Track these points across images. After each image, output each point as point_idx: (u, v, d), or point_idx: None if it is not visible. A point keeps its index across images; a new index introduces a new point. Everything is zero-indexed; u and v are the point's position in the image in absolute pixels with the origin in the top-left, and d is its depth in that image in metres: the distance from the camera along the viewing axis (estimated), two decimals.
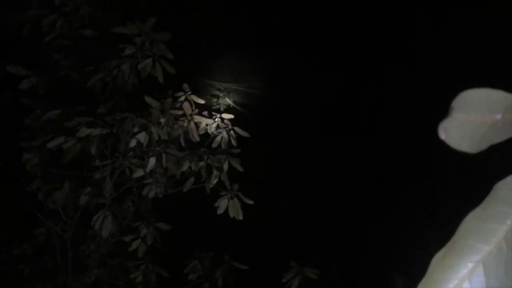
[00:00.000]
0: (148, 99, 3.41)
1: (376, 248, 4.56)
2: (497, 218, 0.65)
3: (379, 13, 4.82)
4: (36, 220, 3.66)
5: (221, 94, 5.38)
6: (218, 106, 5.40)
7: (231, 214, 3.74)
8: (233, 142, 3.84)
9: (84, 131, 3.30)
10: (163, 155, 3.37)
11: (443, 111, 0.60)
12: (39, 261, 3.79)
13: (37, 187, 3.60)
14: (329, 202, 4.87)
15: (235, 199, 3.75)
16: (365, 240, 4.70)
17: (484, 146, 0.63)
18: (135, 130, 3.33)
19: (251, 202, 3.79)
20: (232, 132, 3.85)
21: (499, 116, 0.61)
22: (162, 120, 3.47)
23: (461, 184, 3.95)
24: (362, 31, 5.02)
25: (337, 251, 4.82)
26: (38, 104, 3.53)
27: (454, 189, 4.15)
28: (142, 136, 3.30)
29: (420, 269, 0.65)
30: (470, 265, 0.63)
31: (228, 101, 5.43)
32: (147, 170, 3.36)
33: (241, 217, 3.76)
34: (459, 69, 4.23)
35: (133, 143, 3.31)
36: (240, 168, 3.78)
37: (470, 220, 0.65)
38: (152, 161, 3.34)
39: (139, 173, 3.44)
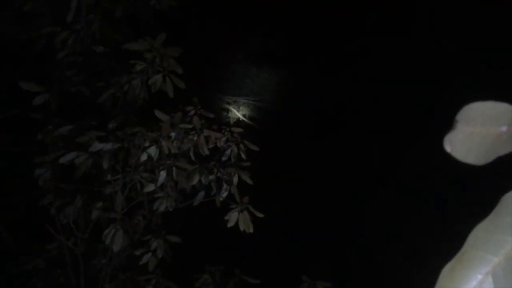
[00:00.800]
0: (158, 113, 3.45)
1: (388, 262, 4.53)
2: (505, 229, 0.66)
3: (385, 24, 4.84)
4: (48, 235, 3.68)
5: (230, 108, 5.41)
6: (227, 120, 5.43)
7: (242, 227, 3.73)
8: (243, 155, 3.85)
9: (96, 146, 3.33)
10: (174, 168, 3.39)
11: (449, 124, 0.61)
12: (51, 276, 3.80)
13: (49, 202, 3.63)
14: (341, 216, 4.86)
15: (245, 212, 3.75)
16: (377, 255, 4.67)
17: (490, 158, 0.63)
18: (146, 144, 3.36)
19: (262, 215, 3.78)
20: (241, 145, 3.86)
21: (504, 128, 0.61)
22: (173, 134, 3.50)
23: (469, 196, 3.92)
24: (369, 43, 5.04)
25: (349, 265, 4.79)
26: (50, 119, 3.57)
27: (462, 201, 4.12)
28: (153, 150, 3.33)
29: (431, 281, 0.65)
30: (479, 276, 0.64)
31: (238, 114, 5.46)
32: (158, 183, 3.38)
33: (251, 230, 3.75)
34: (463, 82, 4.22)
35: (143, 157, 3.33)
36: (250, 181, 3.78)
37: (479, 232, 0.66)
38: (162, 174, 3.36)
39: (150, 187, 3.46)
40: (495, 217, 0.67)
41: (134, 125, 3.47)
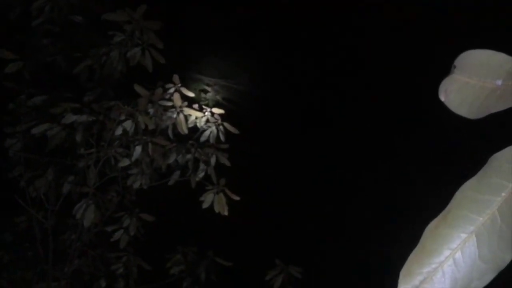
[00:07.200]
0: (137, 88, 3.37)
1: (363, 249, 4.55)
2: (492, 190, 0.64)
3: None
4: (17, 208, 3.59)
5: (210, 89, 5.35)
6: (207, 102, 5.37)
7: (216, 209, 3.71)
8: (222, 137, 3.82)
9: (70, 118, 3.25)
10: (149, 144, 3.33)
11: (441, 74, 0.58)
12: (19, 249, 3.72)
13: (19, 173, 3.54)
14: (316, 201, 4.86)
15: (221, 194, 3.72)
16: (352, 241, 4.69)
17: (483, 113, 0.61)
18: (122, 118, 3.28)
19: (237, 198, 3.76)
20: (221, 127, 3.82)
21: (499, 82, 0.59)
22: (151, 110, 3.43)
23: (457, 154, 3.92)
24: (352, 22, 4.98)
25: (322, 251, 4.81)
26: (23, 89, 3.47)
27: (449, 159, 4.11)
28: (128, 124, 3.26)
29: (415, 239, 0.63)
30: (463, 235, 0.62)
31: (217, 97, 5.40)
32: (133, 159, 3.31)
33: (226, 213, 3.73)
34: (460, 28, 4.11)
35: (118, 131, 3.26)
36: (227, 163, 3.75)
37: (465, 191, 0.64)
38: (137, 149, 3.30)
39: (125, 162, 3.39)
40: (482, 177, 0.65)
41: (110, 99, 3.39)
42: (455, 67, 0.56)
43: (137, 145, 3.30)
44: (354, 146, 4.85)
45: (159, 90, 3.49)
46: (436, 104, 0.63)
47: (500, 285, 0.70)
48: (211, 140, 3.78)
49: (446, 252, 0.62)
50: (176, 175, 3.71)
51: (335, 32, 4.97)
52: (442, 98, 0.57)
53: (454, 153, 4.10)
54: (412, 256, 0.63)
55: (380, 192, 4.65)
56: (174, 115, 3.55)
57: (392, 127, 4.67)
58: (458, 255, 0.62)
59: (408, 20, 4.48)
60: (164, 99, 3.55)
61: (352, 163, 4.84)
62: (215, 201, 3.70)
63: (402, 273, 0.62)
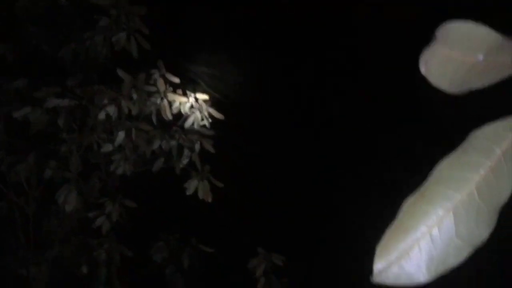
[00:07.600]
0: (120, 72, 3.34)
1: (346, 237, 4.58)
2: (470, 167, 0.63)
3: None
4: None
5: (195, 77, 5.31)
6: (192, 89, 5.33)
7: (200, 196, 3.70)
8: (206, 123, 3.79)
9: (53, 102, 3.21)
10: (133, 130, 3.30)
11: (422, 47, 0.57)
12: None
13: (0, 158, 3.49)
14: (299, 190, 4.87)
15: (205, 181, 3.71)
16: (335, 230, 4.71)
17: (464, 88, 0.60)
18: (105, 102, 3.25)
19: (221, 185, 3.76)
20: (205, 113, 3.80)
21: (481, 57, 0.58)
22: (134, 96, 3.40)
23: (435, 130, 3.93)
24: (345, 19, 4.95)
25: (305, 239, 4.83)
26: (5, 72, 3.41)
27: (428, 135, 4.11)
28: (111, 109, 3.22)
29: (392, 215, 0.62)
30: (440, 212, 0.61)
31: (203, 84, 5.36)
32: (116, 144, 3.28)
33: (210, 200, 3.73)
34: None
35: (101, 116, 3.22)
36: (212, 150, 3.74)
37: (444, 167, 0.63)
38: (121, 135, 3.26)
39: (108, 148, 3.36)
40: (461, 154, 0.64)
41: (94, 83, 3.35)
42: (435, 38, 0.56)
43: (120, 130, 3.27)
44: (341, 139, 4.86)
45: (143, 75, 3.46)
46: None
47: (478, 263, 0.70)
48: (196, 126, 3.76)
49: (423, 229, 0.62)
50: (160, 162, 3.69)
51: (329, 27, 4.96)
52: (423, 70, 0.56)
53: (432, 129, 4.09)
54: (388, 232, 0.62)
55: (363, 180, 4.67)
56: (158, 101, 3.52)
57: (385, 126, 4.68)
58: (435, 231, 0.61)
59: (408, 20, 4.48)
60: (148, 84, 3.52)
61: (337, 154, 4.86)
62: (199, 188, 3.69)
63: (378, 248, 0.61)
